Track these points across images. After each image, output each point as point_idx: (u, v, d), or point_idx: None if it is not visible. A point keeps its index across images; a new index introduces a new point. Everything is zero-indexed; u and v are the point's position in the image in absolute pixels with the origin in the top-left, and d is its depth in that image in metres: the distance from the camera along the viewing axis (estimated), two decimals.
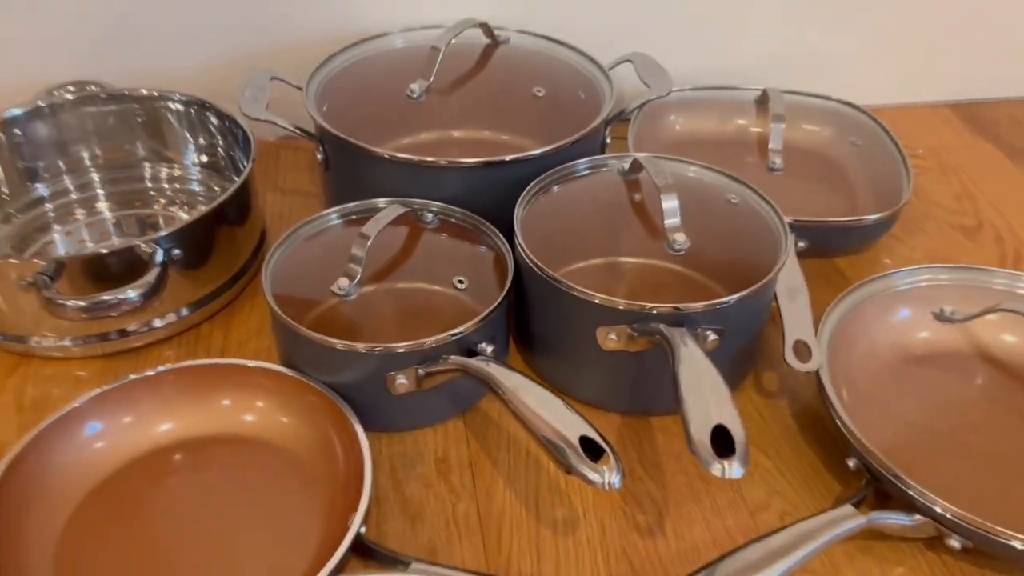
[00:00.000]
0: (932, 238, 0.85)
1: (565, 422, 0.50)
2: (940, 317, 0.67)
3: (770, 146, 0.85)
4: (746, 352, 0.66)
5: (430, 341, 0.58)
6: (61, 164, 0.82)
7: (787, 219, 0.68)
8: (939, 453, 0.60)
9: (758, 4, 0.96)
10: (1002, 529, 0.52)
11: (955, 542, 0.54)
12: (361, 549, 0.53)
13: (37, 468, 0.56)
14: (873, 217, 0.79)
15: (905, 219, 0.86)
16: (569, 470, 0.48)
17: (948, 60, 1.05)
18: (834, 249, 0.81)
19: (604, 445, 0.48)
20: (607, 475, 0.46)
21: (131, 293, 0.63)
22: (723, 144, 0.89)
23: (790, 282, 0.67)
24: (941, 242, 0.84)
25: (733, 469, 0.45)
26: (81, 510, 0.56)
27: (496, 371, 0.55)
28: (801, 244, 0.77)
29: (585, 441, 0.48)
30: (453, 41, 0.80)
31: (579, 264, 0.65)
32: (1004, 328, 0.66)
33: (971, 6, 1.00)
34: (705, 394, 0.50)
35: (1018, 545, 0.52)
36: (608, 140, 0.82)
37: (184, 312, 0.71)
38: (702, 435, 0.46)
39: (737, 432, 0.47)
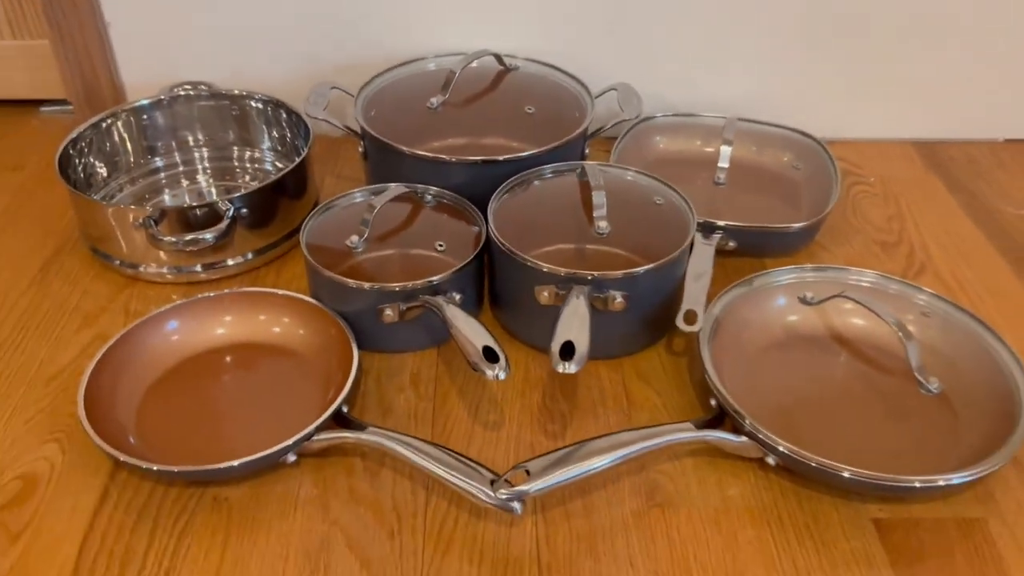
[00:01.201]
0: (853, 249, 1.01)
1: (477, 337, 0.71)
2: (803, 301, 0.85)
3: (718, 164, 1.04)
4: (656, 318, 0.86)
5: (411, 284, 0.81)
6: (173, 144, 1.09)
7: (701, 219, 0.87)
8: (780, 402, 0.78)
9: (737, 45, 1.14)
10: (799, 449, 0.70)
11: (771, 460, 0.72)
12: (340, 420, 0.76)
13: (132, 348, 0.81)
14: (796, 225, 0.97)
15: (835, 232, 1.03)
16: (474, 368, 0.69)
17: (916, 102, 1.20)
18: (764, 251, 0.98)
19: (499, 352, 0.70)
20: (496, 370, 0.68)
21: (208, 235, 0.88)
22: (688, 162, 1.08)
23: (698, 268, 0.87)
24: (860, 252, 1.01)
25: (570, 366, 0.66)
26: (159, 382, 0.81)
27: (445, 306, 0.77)
28: (732, 244, 0.95)
29: (487, 350, 0.70)
30: (474, 65, 1.03)
31: (537, 241, 0.85)
32: (853, 314, 0.84)
33: (939, 54, 1.15)
34: (572, 326, 0.71)
35: (812, 464, 0.70)
36: (587, 152, 1.02)
37: (249, 256, 0.95)
38: (556, 346, 0.68)
39: (581, 346, 0.68)
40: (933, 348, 0.81)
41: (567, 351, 0.69)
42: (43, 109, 1.25)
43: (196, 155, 1.10)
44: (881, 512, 0.72)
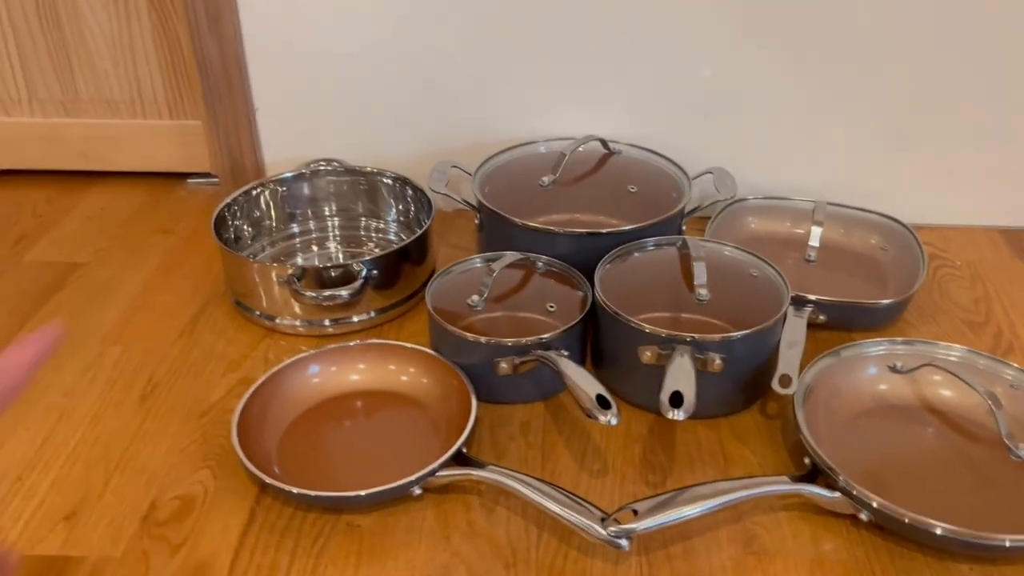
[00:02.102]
0: (940, 328, 1.06)
1: (590, 387, 0.79)
2: (893, 369, 0.90)
3: (809, 243, 1.11)
4: (751, 382, 0.92)
5: (524, 340, 0.89)
6: (309, 212, 1.22)
7: (793, 292, 0.94)
8: (870, 465, 0.83)
9: (826, 133, 1.22)
10: (891, 504, 0.74)
11: (863, 515, 0.77)
12: (461, 460, 0.83)
13: (279, 387, 0.91)
14: (884, 302, 1.02)
15: (922, 310, 1.08)
16: (588, 414, 0.77)
17: (1001, 190, 1.25)
18: (853, 326, 1.04)
19: (610, 399, 0.77)
20: (609, 416, 0.76)
21: (344, 292, 0.99)
22: (779, 242, 1.15)
23: (791, 336, 0.93)
24: (947, 331, 1.05)
25: (679, 413, 0.73)
26: (299, 419, 0.90)
27: (559, 359, 0.85)
28: (822, 317, 1.01)
29: (600, 398, 0.77)
30: (580, 149, 1.13)
31: (639, 307, 0.93)
32: (941, 385, 0.89)
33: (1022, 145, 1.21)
34: (679, 378, 0.78)
35: (905, 519, 0.74)
36: (684, 229, 1.11)
37: (373, 314, 1.05)
38: (665, 395, 0.75)
39: (689, 396, 0.75)
40: (1021, 419, 0.85)
41: (676, 400, 0.76)
42: (190, 181, 1.41)
43: (329, 223, 1.22)
44: (972, 572, 0.75)
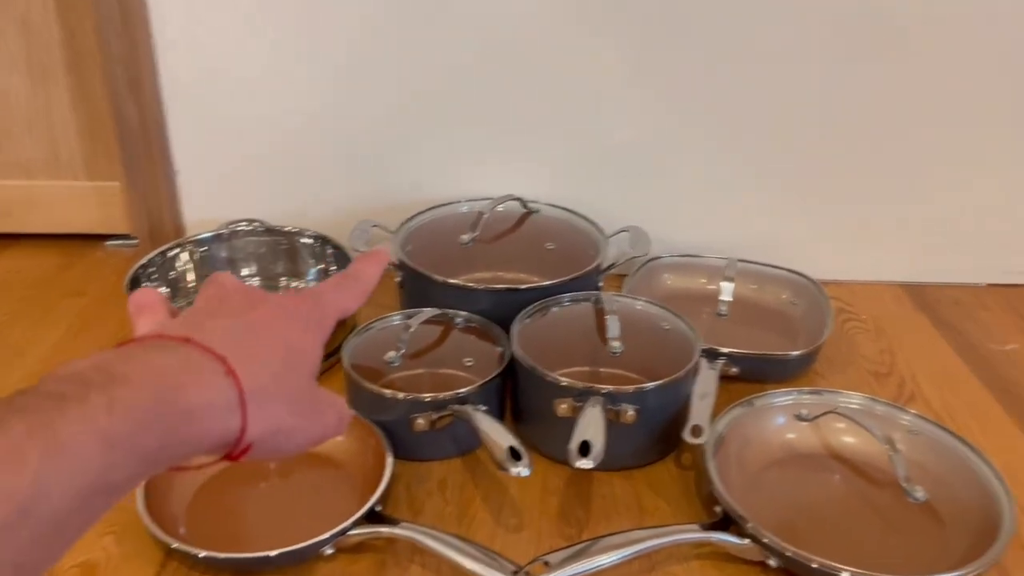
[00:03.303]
0: (848, 378, 1.10)
1: (502, 439, 0.80)
2: (799, 417, 0.92)
3: (720, 297, 1.15)
4: (665, 433, 0.93)
5: (441, 395, 0.90)
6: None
7: (706, 345, 0.97)
8: (780, 513, 0.85)
9: (738, 194, 1.27)
10: (799, 551, 0.76)
11: (772, 562, 0.78)
12: (375, 518, 0.82)
13: None
14: (794, 353, 1.06)
15: (831, 362, 1.12)
16: (500, 467, 0.77)
17: (904, 249, 1.32)
18: (764, 377, 1.06)
19: (522, 451, 0.77)
20: (520, 467, 0.76)
21: None
22: (693, 297, 1.19)
23: (703, 388, 0.95)
24: (854, 381, 1.09)
25: (587, 462, 0.74)
26: (210, 481, 0.88)
27: (473, 413, 0.86)
28: (734, 369, 1.04)
29: (511, 450, 0.78)
30: (500, 208, 1.16)
31: (556, 361, 0.94)
32: (845, 432, 0.92)
33: (926, 206, 1.27)
34: (588, 428, 0.79)
35: (812, 565, 0.76)
36: (601, 286, 1.13)
37: None
38: (574, 444, 0.76)
39: (597, 445, 0.75)
40: (919, 463, 0.88)
41: (584, 449, 0.76)
42: (108, 243, 1.39)
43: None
44: None
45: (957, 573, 0.74)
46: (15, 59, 1.26)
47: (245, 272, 1.22)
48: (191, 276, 1.18)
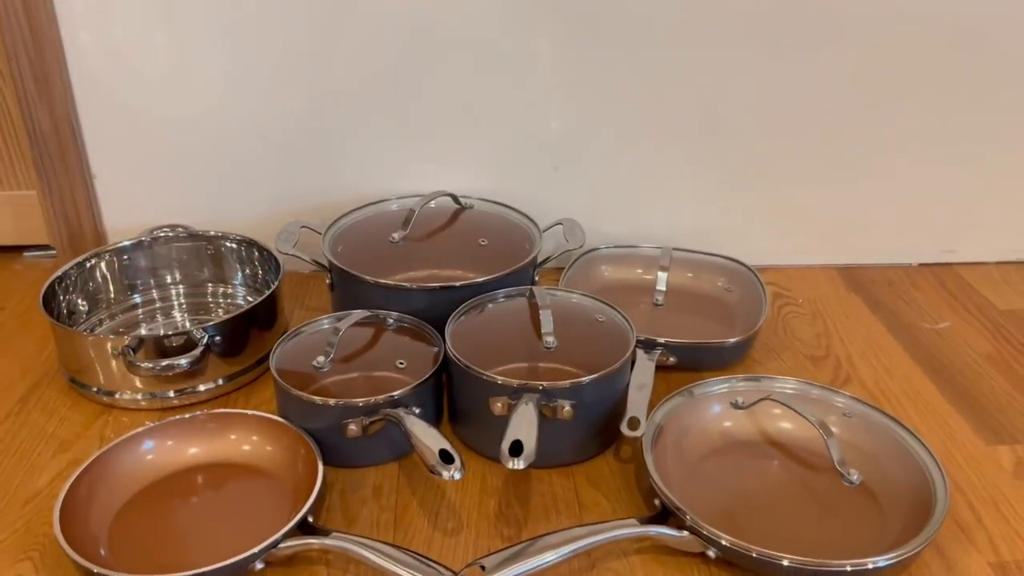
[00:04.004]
0: (785, 363, 1.10)
1: (433, 442, 0.78)
2: (735, 405, 0.92)
3: (656, 287, 1.14)
4: (603, 427, 0.92)
5: (373, 399, 0.87)
6: (152, 282, 1.17)
7: (643, 335, 0.96)
8: (720, 502, 0.84)
9: (670, 184, 1.27)
10: (738, 540, 0.75)
11: (711, 553, 0.77)
12: (307, 529, 0.79)
13: (108, 467, 0.85)
14: (730, 341, 1.05)
15: (768, 347, 1.12)
16: (432, 470, 0.75)
17: (837, 232, 1.32)
18: (701, 366, 1.06)
19: (454, 454, 0.75)
20: (452, 471, 0.74)
21: (182, 361, 0.94)
22: (630, 288, 1.18)
23: (640, 379, 0.94)
24: (791, 366, 1.09)
25: (519, 463, 0.72)
26: (133, 499, 0.85)
27: (405, 417, 0.83)
28: (672, 359, 1.04)
29: (443, 452, 0.76)
30: (432, 205, 1.14)
31: (492, 359, 0.92)
32: (781, 418, 0.92)
33: (856, 189, 1.28)
34: (521, 427, 0.77)
35: (752, 554, 0.75)
36: (537, 280, 1.12)
37: (220, 382, 1.01)
38: (505, 445, 0.74)
39: (529, 444, 0.74)
40: (854, 445, 0.88)
41: (516, 449, 0.75)
42: (26, 254, 1.33)
43: (173, 292, 1.17)
44: None
45: (894, 553, 0.74)
46: None
47: (169, 280, 1.17)
48: (112, 286, 1.14)
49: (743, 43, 1.18)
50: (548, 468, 0.91)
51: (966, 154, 1.27)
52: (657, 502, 0.81)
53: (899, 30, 1.18)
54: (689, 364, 1.05)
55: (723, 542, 0.76)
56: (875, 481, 0.85)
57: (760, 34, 1.17)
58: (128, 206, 1.25)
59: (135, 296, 1.16)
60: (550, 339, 0.92)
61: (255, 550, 0.75)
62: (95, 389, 0.99)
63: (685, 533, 0.78)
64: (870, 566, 0.74)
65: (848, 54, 1.19)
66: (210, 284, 1.19)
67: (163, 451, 0.89)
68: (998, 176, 1.29)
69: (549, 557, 0.74)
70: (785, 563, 0.74)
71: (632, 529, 0.78)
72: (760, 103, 1.22)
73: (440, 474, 0.75)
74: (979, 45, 1.19)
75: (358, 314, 0.97)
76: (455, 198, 1.17)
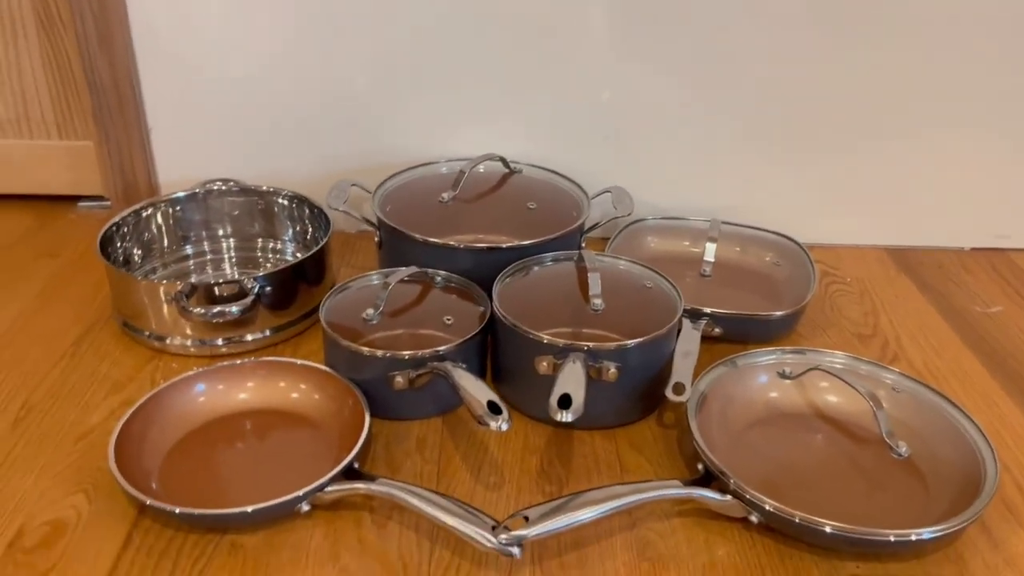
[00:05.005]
0: (831, 339, 1.09)
1: (481, 394, 0.78)
2: (782, 375, 0.92)
3: (704, 258, 1.13)
4: (647, 391, 0.92)
5: (420, 352, 0.88)
6: (204, 234, 1.19)
7: (689, 305, 0.96)
8: (763, 470, 0.84)
9: (723, 157, 1.26)
10: (782, 505, 0.75)
11: (754, 518, 0.77)
12: (352, 475, 0.81)
13: (162, 406, 0.87)
14: (777, 314, 1.05)
15: (814, 324, 1.11)
16: (480, 421, 0.76)
17: (889, 212, 1.31)
18: (747, 338, 1.05)
19: (501, 405, 0.76)
20: (499, 422, 0.75)
21: (233, 308, 0.96)
22: (677, 259, 1.17)
23: (686, 347, 0.94)
24: (837, 342, 1.08)
25: (567, 415, 0.73)
26: (184, 440, 0.87)
27: (452, 370, 0.84)
28: (717, 330, 1.03)
29: (491, 404, 0.76)
30: (481, 168, 1.14)
31: (537, 320, 0.92)
32: (828, 391, 0.91)
33: (911, 169, 1.26)
34: (569, 382, 0.77)
35: (795, 519, 0.75)
36: (583, 246, 1.11)
37: (267, 332, 1.02)
38: (554, 398, 0.74)
39: (578, 398, 0.74)
40: (901, 421, 0.87)
41: (564, 402, 0.75)
42: (81, 204, 1.35)
43: (224, 245, 1.19)
44: (859, 569, 0.76)
45: (940, 527, 0.74)
46: None
47: (220, 233, 1.19)
48: (165, 236, 1.16)
49: (801, 19, 1.16)
50: (590, 429, 0.91)
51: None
52: (700, 466, 0.81)
53: (963, 11, 1.15)
54: (735, 336, 1.04)
55: (767, 507, 0.76)
56: (922, 458, 0.84)
57: (818, 10, 1.16)
58: (182, 160, 1.27)
59: (187, 247, 1.18)
60: (598, 301, 0.92)
61: (301, 492, 0.76)
62: (147, 334, 1.01)
63: (728, 497, 0.78)
64: (913, 537, 0.74)
65: (909, 35, 1.17)
66: (260, 239, 1.20)
67: (214, 394, 0.90)
68: None
69: (591, 512, 0.74)
70: (828, 530, 0.74)
71: (675, 490, 0.78)
72: (815, 81, 1.20)
73: (488, 424, 0.75)
74: None
75: (407, 270, 0.98)
76: (505, 162, 1.17)
